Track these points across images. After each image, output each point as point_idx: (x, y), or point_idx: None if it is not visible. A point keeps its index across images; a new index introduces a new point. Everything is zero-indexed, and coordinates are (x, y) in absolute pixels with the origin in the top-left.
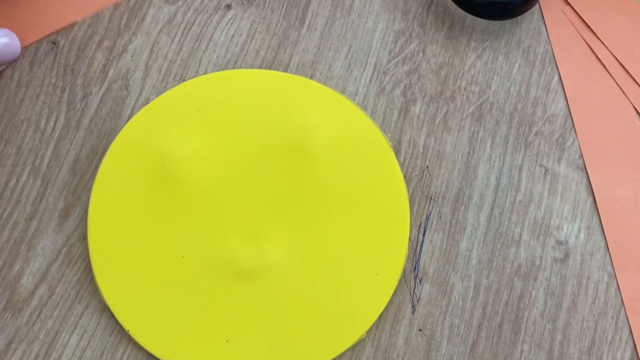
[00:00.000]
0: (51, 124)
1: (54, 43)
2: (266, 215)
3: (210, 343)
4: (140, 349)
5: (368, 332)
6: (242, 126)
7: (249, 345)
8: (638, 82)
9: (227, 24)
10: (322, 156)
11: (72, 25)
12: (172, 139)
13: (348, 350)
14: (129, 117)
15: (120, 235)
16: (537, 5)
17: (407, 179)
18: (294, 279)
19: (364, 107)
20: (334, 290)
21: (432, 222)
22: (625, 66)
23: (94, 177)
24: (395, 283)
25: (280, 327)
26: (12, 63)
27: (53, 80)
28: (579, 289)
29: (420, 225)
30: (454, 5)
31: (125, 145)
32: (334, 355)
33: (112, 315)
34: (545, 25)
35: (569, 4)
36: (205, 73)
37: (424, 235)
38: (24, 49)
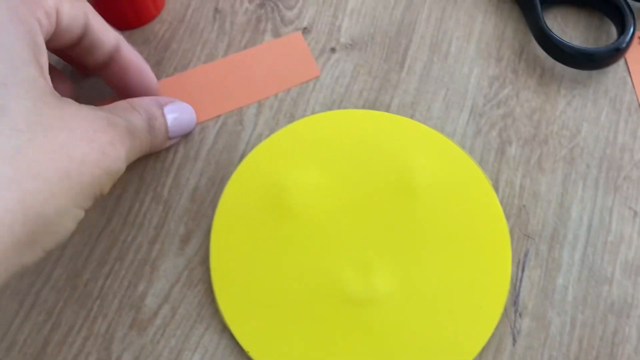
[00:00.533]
0: (171, 154)
1: None
2: (374, 247)
3: None
4: None
5: None
6: (350, 162)
7: None
8: None
9: (332, 66)
10: (426, 192)
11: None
12: (287, 173)
13: None
14: (244, 150)
15: (239, 260)
16: (622, 57)
17: (506, 217)
18: (400, 309)
19: (462, 147)
20: (439, 321)
21: (530, 259)
22: None
23: (213, 205)
24: (499, 316)
25: (387, 353)
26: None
27: None
28: None
29: (519, 261)
30: (544, 54)
31: (244, 177)
32: None
33: (231, 336)
34: (631, 76)
35: None
36: (312, 111)
37: (522, 271)
38: None
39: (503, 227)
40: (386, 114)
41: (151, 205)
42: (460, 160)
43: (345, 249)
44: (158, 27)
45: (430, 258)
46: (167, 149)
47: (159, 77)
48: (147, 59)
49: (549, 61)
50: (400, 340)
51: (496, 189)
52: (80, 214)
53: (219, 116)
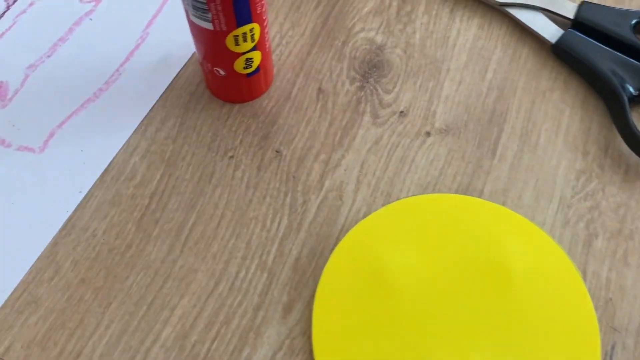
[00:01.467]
0: (276, 224)
1: (277, 152)
2: (468, 331)
3: None
4: None
5: None
6: (446, 245)
7: None
8: None
9: (427, 149)
10: (518, 279)
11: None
12: (385, 251)
13: None
14: (343, 225)
15: (339, 333)
16: None
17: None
18: None
19: (551, 237)
20: None
21: (617, 353)
22: None
23: (314, 276)
24: None
25: None
26: None
27: (277, 185)
28: None
29: (606, 354)
30: (628, 150)
31: (346, 252)
32: None
33: None
34: None
35: None
36: (408, 191)
37: None
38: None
39: (592, 319)
40: (480, 200)
41: (256, 272)
42: (551, 250)
43: (440, 331)
44: (266, 102)
45: (521, 345)
46: (272, 219)
47: (265, 149)
48: (255, 132)
49: (634, 158)
50: None
51: (583, 280)
52: None
53: (320, 191)
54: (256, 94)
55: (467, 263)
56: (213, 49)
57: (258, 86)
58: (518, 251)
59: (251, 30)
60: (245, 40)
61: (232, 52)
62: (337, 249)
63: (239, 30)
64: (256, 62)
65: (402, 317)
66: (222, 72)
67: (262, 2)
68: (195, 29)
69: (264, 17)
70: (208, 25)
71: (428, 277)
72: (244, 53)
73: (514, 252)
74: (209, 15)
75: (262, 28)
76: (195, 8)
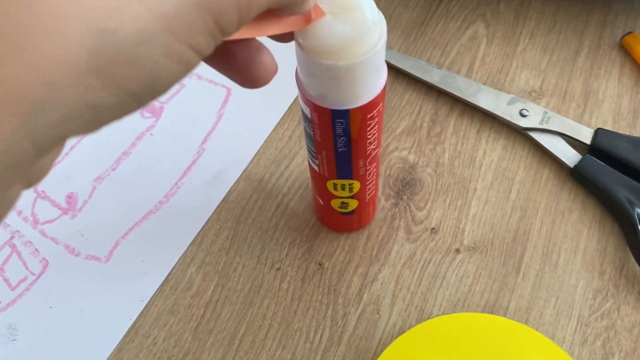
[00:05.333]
0: (318, 336)
1: (320, 265)
2: None
3: None
4: None
5: None
6: None
7: None
8: None
9: (457, 266)
10: None
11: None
12: None
13: None
14: (380, 339)
15: None
16: None
17: None
18: None
19: (570, 354)
20: None
21: None
22: None
23: None
24: None
25: None
26: None
27: (319, 297)
28: None
29: None
30: None
31: None
32: None
33: None
34: None
35: None
36: (440, 307)
37: None
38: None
39: None
40: (505, 319)
41: None
42: None
43: None
44: (310, 216)
45: None
46: (315, 331)
47: (308, 261)
48: (300, 244)
49: None
50: None
51: None
52: (189, 54)
53: (359, 304)
54: (347, 229)
55: None
56: (317, 183)
57: (349, 223)
58: None
59: (350, 184)
60: (343, 189)
61: (330, 192)
62: None
63: (339, 181)
64: (351, 207)
65: None
66: (321, 202)
67: (368, 166)
68: (309, 163)
69: (368, 177)
70: (315, 167)
71: None
72: (341, 197)
73: None
74: (317, 161)
75: (364, 184)
76: (309, 150)
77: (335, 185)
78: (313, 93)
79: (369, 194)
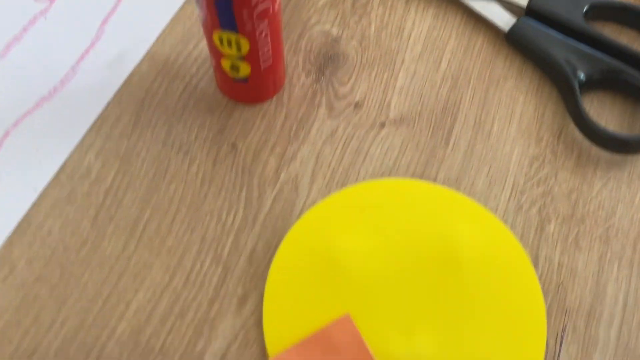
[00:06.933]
0: (231, 218)
1: (233, 146)
2: (418, 311)
3: None
4: None
5: None
6: (398, 229)
7: None
8: None
9: (381, 140)
10: (469, 263)
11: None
12: (337, 236)
13: None
14: (298, 217)
15: (290, 322)
16: None
17: (544, 292)
18: None
19: (504, 222)
20: None
21: (567, 334)
22: None
23: (268, 268)
24: None
25: None
26: None
27: (233, 179)
28: None
29: (557, 336)
30: (581, 136)
31: (296, 239)
32: None
33: None
34: None
35: None
36: (362, 181)
37: (560, 346)
38: (208, 148)
39: (540, 303)
40: (433, 185)
41: (211, 265)
42: (502, 235)
43: (389, 314)
44: (221, 96)
45: (470, 326)
46: (228, 213)
47: (220, 144)
48: (210, 126)
49: (586, 143)
50: None
51: (535, 264)
52: None
53: (276, 183)
54: (242, 99)
55: (418, 246)
56: (207, 38)
57: (245, 93)
58: (468, 236)
59: (237, 40)
60: (230, 46)
61: (218, 49)
62: (288, 235)
63: (224, 34)
64: (243, 71)
65: (352, 302)
66: (214, 62)
67: (256, 22)
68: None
69: (259, 37)
70: (201, 15)
71: (379, 261)
72: (229, 57)
73: (465, 237)
74: (199, 4)
75: (255, 45)
76: None
77: (221, 40)
78: None
79: (264, 61)
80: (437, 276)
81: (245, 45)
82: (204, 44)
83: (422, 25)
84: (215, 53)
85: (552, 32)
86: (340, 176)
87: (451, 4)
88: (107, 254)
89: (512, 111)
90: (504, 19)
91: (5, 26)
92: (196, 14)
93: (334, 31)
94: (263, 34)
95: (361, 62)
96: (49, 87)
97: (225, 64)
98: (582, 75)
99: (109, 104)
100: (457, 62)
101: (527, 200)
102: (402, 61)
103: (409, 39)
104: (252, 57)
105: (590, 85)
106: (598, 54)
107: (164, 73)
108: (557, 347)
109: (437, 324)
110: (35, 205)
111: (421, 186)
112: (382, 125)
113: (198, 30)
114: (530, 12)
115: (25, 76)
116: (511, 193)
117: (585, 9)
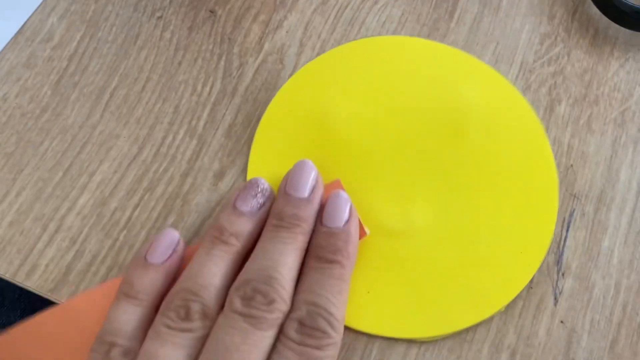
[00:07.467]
0: (208, 88)
1: (212, 12)
2: (416, 179)
3: (353, 292)
4: None
5: (510, 319)
6: (397, 90)
7: (389, 300)
8: None
9: (378, 11)
10: (474, 130)
11: None
12: (329, 99)
13: (489, 330)
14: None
15: (275, 186)
16: None
17: None
18: (437, 244)
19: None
20: (476, 260)
21: (575, 219)
22: None
23: (249, 143)
24: (538, 264)
25: (419, 287)
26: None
27: (210, 47)
28: None
29: (564, 221)
30: (598, 13)
31: (283, 104)
32: (468, 324)
33: None
34: None
35: None
36: None
37: (567, 231)
38: (184, 14)
39: (553, 180)
40: (438, 43)
41: (185, 138)
42: (514, 101)
43: (384, 179)
44: None
45: (473, 197)
46: (204, 83)
47: (197, 9)
48: None
49: (603, 21)
50: (433, 276)
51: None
52: None
53: (259, 53)
54: None
55: (419, 111)
56: None
57: None
58: (477, 99)
59: None
60: None
61: None
62: (275, 99)
63: None
64: None
65: (343, 167)
66: None
67: None
68: None
69: None
70: None
71: (376, 125)
72: None
73: (472, 101)
74: None
75: None
76: None
77: None
78: None
79: None
80: (439, 143)
81: None
82: None
83: None
84: None
85: None
86: (331, 48)
87: None
88: (69, 122)
89: None
90: None
91: None
92: None
93: None
94: None
95: None
96: None
97: None
98: None
99: None
100: None
101: (537, 80)
102: None
103: None
104: None
105: None
106: None
107: None
108: (564, 232)
109: (436, 194)
110: None
111: (425, 44)
112: None
113: None
114: None
115: None
116: (519, 72)
117: None
